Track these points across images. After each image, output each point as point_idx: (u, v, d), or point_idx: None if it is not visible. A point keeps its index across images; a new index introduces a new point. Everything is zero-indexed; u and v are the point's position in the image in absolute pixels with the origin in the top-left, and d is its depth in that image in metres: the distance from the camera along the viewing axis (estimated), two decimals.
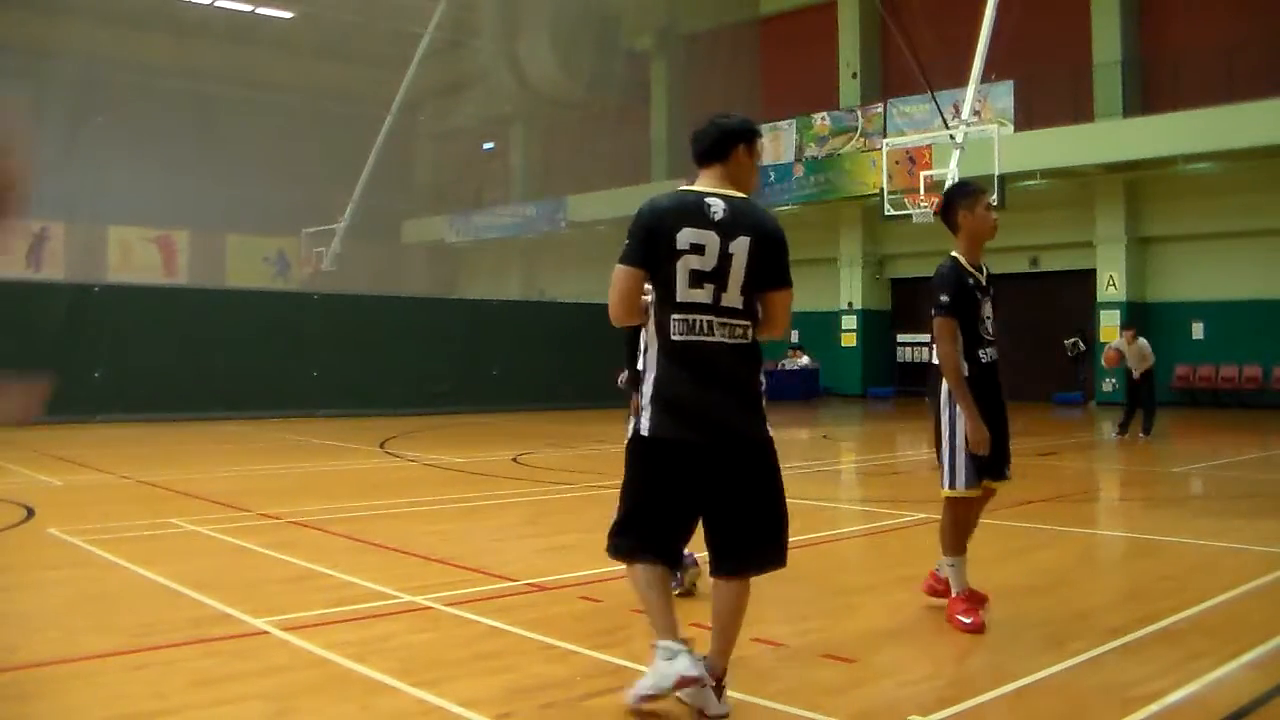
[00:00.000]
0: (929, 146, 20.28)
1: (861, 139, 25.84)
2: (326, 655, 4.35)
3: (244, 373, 18.07)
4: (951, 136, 18.38)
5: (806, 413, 21.81)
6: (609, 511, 8.51)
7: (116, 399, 16.99)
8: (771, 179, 27.09)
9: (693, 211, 3.60)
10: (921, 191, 18.71)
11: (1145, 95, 22.44)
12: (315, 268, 30.04)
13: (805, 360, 26.82)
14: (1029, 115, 22.87)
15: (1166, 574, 6.22)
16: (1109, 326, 22.32)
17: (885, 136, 23.17)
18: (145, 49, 30.39)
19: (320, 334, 19.05)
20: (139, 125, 29.60)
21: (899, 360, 27.85)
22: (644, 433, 3.63)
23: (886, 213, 19.93)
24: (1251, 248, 21.88)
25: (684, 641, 3.58)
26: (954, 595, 5.01)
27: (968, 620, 4.87)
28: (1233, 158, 20.70)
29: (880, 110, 25.83)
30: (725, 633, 3.65)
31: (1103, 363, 15.40)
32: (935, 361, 5.04)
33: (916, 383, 27.26)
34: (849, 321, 27.94)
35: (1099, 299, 23.47)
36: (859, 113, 26.40)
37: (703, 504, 3.64)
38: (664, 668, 3.52)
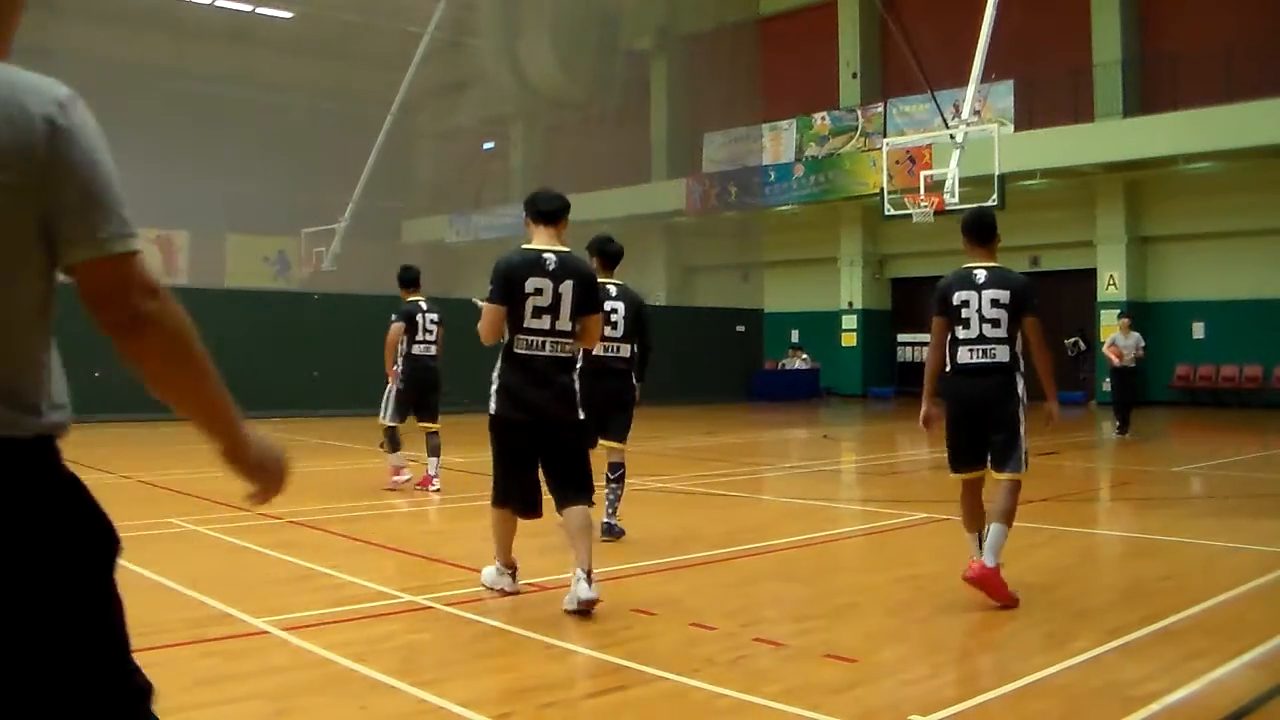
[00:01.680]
0: (929, 146, 20.28)
1: (862, 139, 25.84)
2: (326, 655, 4.35)
3: (244, 373, 17.93)
4: (952, 136, 18.37)
5: (807, 412, 21.81)
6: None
7: (116, 399, 16.90)
8: (772, 179, 27.08)
9: (535, 265, 5.12)
10: (922, 191, 18.69)
11: (1145, 95, 22.44)
12: (315, 268, 30.02)
13: (806, 360, 26.82)
14: (1029, 115, 22.87)
15: (1166, 574, 6.22)
16: (1109, 326, 22.32)
17: (885, 136, 23.16)
18: (145, 49, 30.37)
19: (320, 334, 19.03)
20: (139, 125, 29.52)
21: (899, 360, 27.83)
22: (493, 413, 5.27)
23: (887, 212, 19.92)
24: (1251, 248, 21.87)
25: (512, 567, 5.45)
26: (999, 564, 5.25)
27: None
28: (1233, 157, 20.69)
29: (880, 110, 25.83)
30: (578, 543, 5.10)
31: (1113, 359, 15.44)
32: (1002, 360, 5.53)
33: (918, 382, 27.26)
34: (849, 321, 27.92)
35: (1099, 298, 23.47)
36: (859, 112, 26.40)
37: (536, 462, 5.25)
38: (496, 579, 5.46)
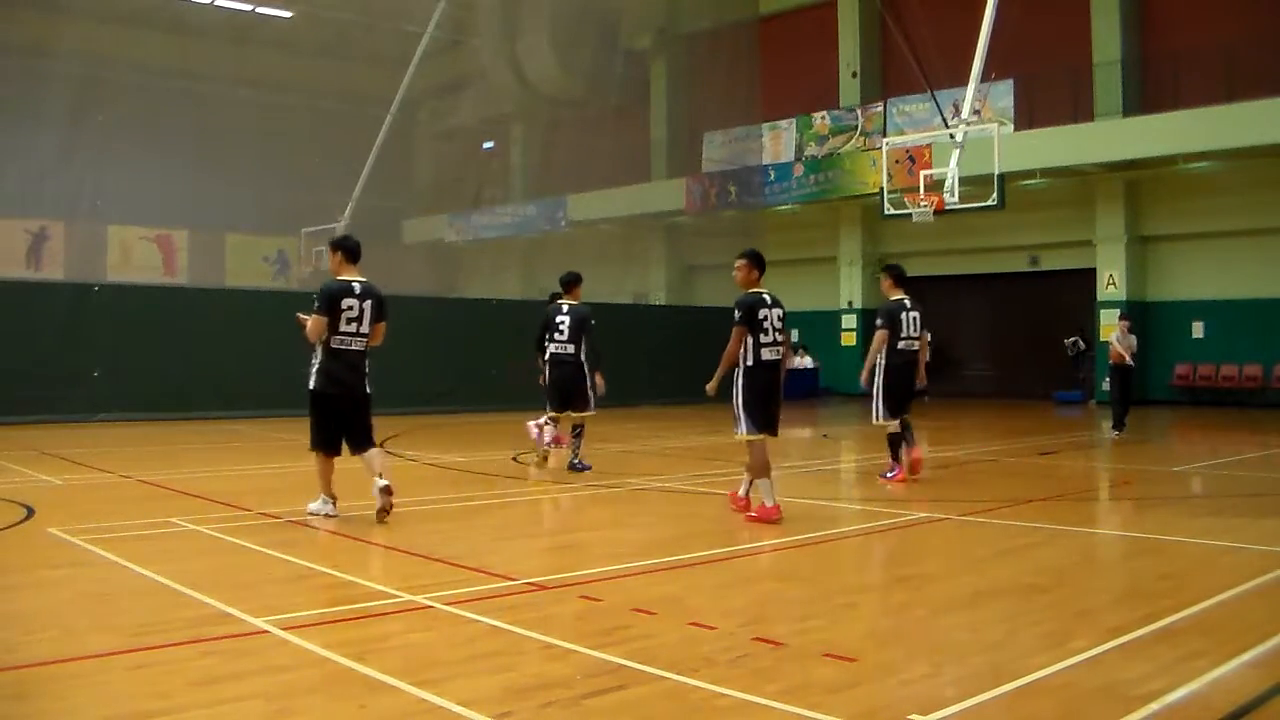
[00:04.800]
0: (929, 145, 20.27)
1: (861, 138, 25.83)
2: (326, 655, 4.35)
3: (244, 373, 18.03)
4: (951, 135, 18.33)
5: (806, 412, 21.80)
6: (610, 511, 8.62)
7: (116, 399, 16.97)
8: (772, 178, 27.08)
9: (347, 290, 7.65)
10: (921, 191, 18.65)
11: (1145, 95, 22.44)
12: (315, 267, 29.96)
13: (806, 360, 26.80)
14: (1029, 114, 22.86)
15: (1166, 573, 6.22)
16: (1109, 326, 22.34)
17: (885, 135, 23.15)
18: (145, 49, 30.35)
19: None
20: (139, 125, 29.55)
21: None
22: (313, 389, 7.70)
23: (886, 212, 19.89)
24: (1251, 247, 21.87)
25: (333, 498, 7.82)
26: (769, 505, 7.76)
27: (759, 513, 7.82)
28: (1232, 157, 20.69)
29: (880, 109, 25.82)
30: (376, 464, 7.73)
31: (1125, 358, 15.45)
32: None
33: None
34: (849, 321, 27.91)
35: (1099, 298, 23.47)
36: (859, 112, 26.39)
37: (343, 424, 7.75)
38: (323, 507, 7.80)
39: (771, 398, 7.93)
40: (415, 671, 4.11)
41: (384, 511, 7.47)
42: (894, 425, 10.31)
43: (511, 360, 20.63)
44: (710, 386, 8.00)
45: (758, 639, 4.60)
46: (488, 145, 38.26)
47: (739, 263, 8.18)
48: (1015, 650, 4.52)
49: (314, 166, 30.05)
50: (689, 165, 29.81)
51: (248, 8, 32.33)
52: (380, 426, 17.49)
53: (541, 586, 5.64)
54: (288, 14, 32.61)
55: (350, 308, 7.57)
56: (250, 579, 5.93)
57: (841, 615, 5.21)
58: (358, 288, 7.65)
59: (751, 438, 7.83)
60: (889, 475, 10.41)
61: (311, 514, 7.75)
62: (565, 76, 30.76)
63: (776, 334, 7.92)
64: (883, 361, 10.48)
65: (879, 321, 10.61)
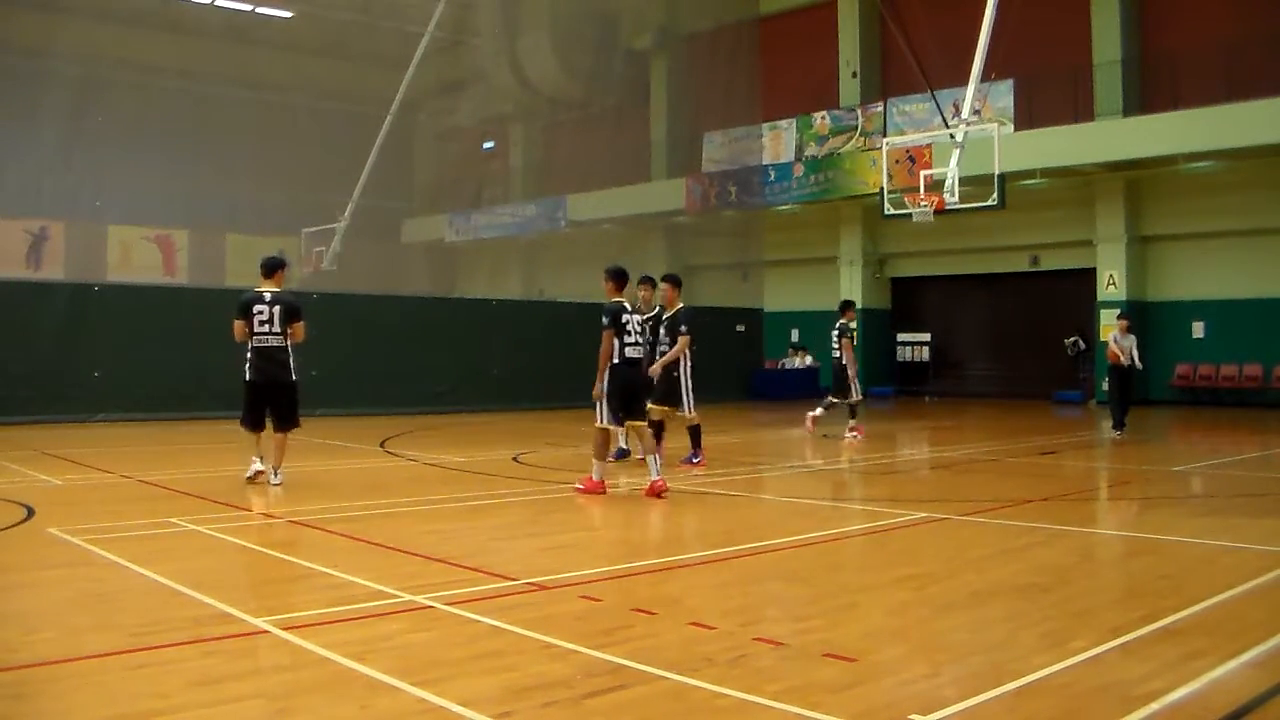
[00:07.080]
0: (929, 145, 20.24)
1: (861, 138, 25.82)
2: (326, 655, 4.35)
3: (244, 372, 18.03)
4: (951, 135, 18.33)
5: (806, 412, 21.76)
6: (610, 511, 8.68)
7: (116, 399, 16.96)
8: (772, 178, 27.07)
9: (259, 299, 9.46)
10: (922, 191, 18.65)
11: (1145, 95, 22.44)
12: (315, 267, 29.99)
13: (806, 359, 26.80)
14: (1029, 114, 22.86)
15: (1166, 572, 6.22)
16: (1109, 326, 22.34)
17: (885, 135, 23.13)
18: (144, 49, 30.35)
19: (320, 334, 18.96)
20: (138, 124, 29.53)
21: (899, 360, 27.83)
22: (246, 379, 9.46)
23: (887, 212, 19.87)
24: (1251, 247, 21.86)
25: (261, 458, 9.54)
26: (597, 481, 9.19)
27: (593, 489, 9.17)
28: (1233, 156, 20.69)
29: (880, 109, 25.82)
30: (278, 451, 9.50)
31: (1122, 358, 15.42)
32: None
33: (917, 382, 27.25)
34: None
35: (1099, 298, 23.47)
36: (859, 112, 26.38)
37: (267, 406, 9.52)
38: (253, 466, 9.55)
39: (632, 390, 9.31)
40: (415, 671, 4.11)
41: (266, 474, 9.49)
42: (676, 416, 11.60)
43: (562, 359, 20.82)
44: (596, 391, 9.15)
45: (758, 639, 4.60)
46: (488, 145, 38.26)
47: (605, 279, 9.52)
48: (1015, 650, 4.52)
49: (314, 166, 30.05)
50: (689, 165, 29.80)
51: (248, 8, 32.32)
52: (381, 426, 17.54)
53: (541, 586, 5.64)
54: (288, 14, 32.61)
55: (260, 312, 9.42)
56: (250, 579, 5.93)
57: (841, 615, 5.21)
58: (268, 296, 9.51)
59: (605, 426, 9.21)
60: (694, 460, 11.82)
61: (249, 476, 9.53)
62: (565, 76, 30.75)
63: (638, 335, 9.32)
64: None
65: (682, 329, 11.13)
